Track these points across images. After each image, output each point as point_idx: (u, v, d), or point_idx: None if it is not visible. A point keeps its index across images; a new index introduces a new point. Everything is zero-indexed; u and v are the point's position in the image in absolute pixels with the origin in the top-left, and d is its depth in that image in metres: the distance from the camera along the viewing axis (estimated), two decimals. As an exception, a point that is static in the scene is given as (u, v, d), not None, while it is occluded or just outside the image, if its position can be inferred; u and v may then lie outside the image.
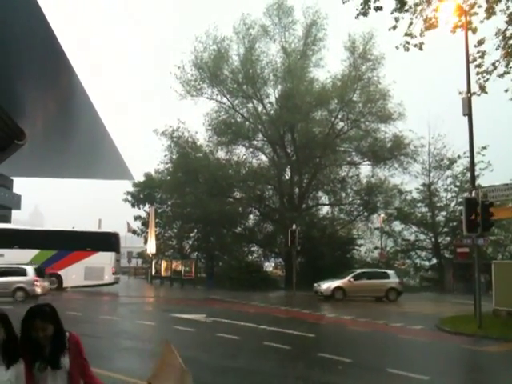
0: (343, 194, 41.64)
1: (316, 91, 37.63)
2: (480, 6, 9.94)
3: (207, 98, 38.99)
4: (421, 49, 10.50)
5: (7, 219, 43.57)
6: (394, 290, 27.38)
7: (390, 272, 28.92)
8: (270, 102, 39.83)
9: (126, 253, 51.99)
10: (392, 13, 9.77)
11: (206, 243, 43.86)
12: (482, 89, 11.17)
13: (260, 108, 39.57)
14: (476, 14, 10.10)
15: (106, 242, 29.87)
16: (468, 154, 20.43)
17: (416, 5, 10.01)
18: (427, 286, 42.36)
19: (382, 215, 41.42)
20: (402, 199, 41.58)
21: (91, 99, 28.30)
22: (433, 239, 42.18)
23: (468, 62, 16.77)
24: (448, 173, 40.76)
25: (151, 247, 40.01)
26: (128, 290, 33.21)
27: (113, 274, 29.56)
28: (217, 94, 39.05)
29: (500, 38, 10.51)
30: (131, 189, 47.76)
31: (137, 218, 48.22)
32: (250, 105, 39.66)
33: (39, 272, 23.18)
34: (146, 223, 45.42)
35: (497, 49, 10.62)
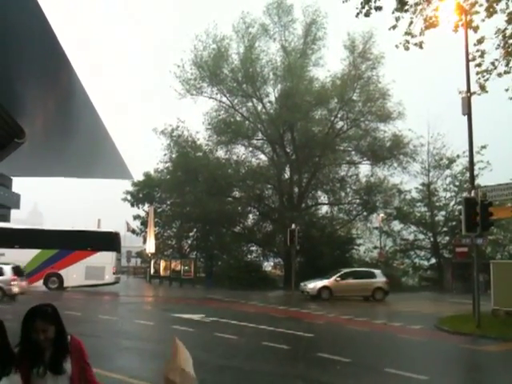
0: (342, 194, 41.66)
1: (316, 90, 37.63)
2: (481, 5, 9.92)
3: (207, 96, 39.06)
4: (421, 48, 10.48)
5: (6, 218, 43.51)
6: (380, 289, 27.31)
7: (377, 271, 28.82)
8: (270, 101, 39.87)
9: (125, 252, 51.92)
10: (393, 12, 9.75)
11: (205, 243, 43.83)
12: (483, 88, 11.15)
13: (260, 107, 39.58)
14: (477, 12, 10.08)
15: (107, 241, 29.84)
16: (467, 154, 20.45)
17: (416, 4, 9.99)
18: (426, 285, 42.38)
19: (381, 215, 41.44)
20: (401, 199, 41.61)
21: (91, 99, 28.36)
22: (432, 239, 42.21)
23: (468, 62, 16.77)
24: (447, 172, 40.84)
25: (150, 247, 39.98)
26: (127, 289, 33.19)
27: (113, 273, 29.54)
28: (216, 93, 39.10)
29: (500, 37, 10.49)
30: (130, 188, 47.74)
31: (136, 217, 48.19)
32: (250, 104, 39.66)
33: (17, 271, 22.84)
34: (145, 223, 45.39)
35: (497, 48, 10.60)
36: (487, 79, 10.83)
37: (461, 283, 34.99)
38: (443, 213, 41.99)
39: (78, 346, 3.22)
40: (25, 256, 28.02)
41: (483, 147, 35.09)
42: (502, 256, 39.84)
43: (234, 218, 41.23)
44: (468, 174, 24.41)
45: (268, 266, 47.46)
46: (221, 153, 40.62)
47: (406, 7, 9.79)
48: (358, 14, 9.86)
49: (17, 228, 31.70)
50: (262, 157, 41.70)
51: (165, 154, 40.17)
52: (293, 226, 31.49)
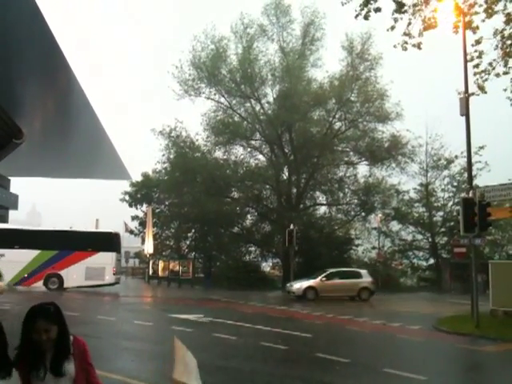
0: (341, 194, 41.64)
1: (314, 91, 37.65)
2: (481, 6, 9.95)
3: (205, 97, 39.05)
4: (419, 48, 10.51)
5: (4, 219, 43.40)
6: (366, 289, 27.33)
7: (363, 271, 28.82)
8: (268, 102, 39.86)
9: (124, 253, 51.82)
10: (393, 14, 9.78)
11: (203, 243, 43.82)
12: (482, 88, 11.19)
13: (258, 108, 39.58)
14: (477, 13, 10.10)
15: (107, 242, 29.80)
16: (465, 154, 20.46)
17: (414, 5, 10.02)
18: (424, 285, 42.46)
19: (380, 215, 41.50)
20: (399, 199, 41.66)
21: (89, 99, 28.30)
22: (430, 239, 42.28)
23: (466, 62, 16.79)
24: (445, 173, 40.93)
25: (149, 247, 39.94)
26: (125, 290, 33.14)
27: (114, 274, 29.51)
28: (214, 94, 39.09)
29: (498, 38, 10.53)
30: (129, 189, 47.69)
31: (134, 217, 48.12)
32: (248, 104, 39.66)
33: None
34: (143, 223, 45.34)
35: (495, 49, 10.64)
36: (486, 80, 10.86)
37: (459, 283, 35.04)
38: (441, 213, 42.08)
39: (82, 346, 3.10)
40: (25, 257, 28.04)
41: (481, 148, 35.18)
42: (500, 256, 39.96)
43: (232, 218, 41.22)
44: (466, 175, 24.44)
45: (266, 266, 47.44)
46: (219, 153, 40.67)
47: (405, 8, 9.81)
48: (357, 15, 9.88)
49: (17, 229, 31.68)
50: (261, 157, 41.76)
51: (163, 155, 40.19)
52: (291, 226, 31.51)
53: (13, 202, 47.70)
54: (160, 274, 38.93)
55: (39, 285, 28.42)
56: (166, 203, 46.41)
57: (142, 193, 47.32)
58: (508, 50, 10.58)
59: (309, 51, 39.27)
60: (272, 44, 39.10)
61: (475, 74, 11.39)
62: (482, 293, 21.72)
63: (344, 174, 41.32)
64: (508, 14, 10.31)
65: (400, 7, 9.76)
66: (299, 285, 27.35)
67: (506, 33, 10.55)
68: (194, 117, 40.41)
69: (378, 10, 9.62)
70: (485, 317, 16.60)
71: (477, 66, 11.08)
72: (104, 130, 34.00)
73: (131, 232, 48.47)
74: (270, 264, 48.00)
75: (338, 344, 13.66)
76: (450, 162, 39.94)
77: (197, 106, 43.43)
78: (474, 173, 27.64)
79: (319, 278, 27.45)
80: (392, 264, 44.23)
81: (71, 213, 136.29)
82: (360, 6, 9.67)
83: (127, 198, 47.58)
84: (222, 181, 37.41)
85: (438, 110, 45.91)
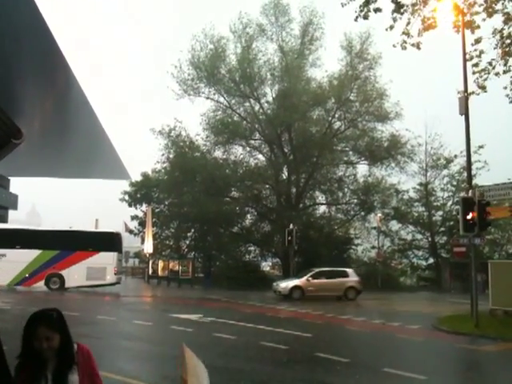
0: (340, 194, 41.69)
1: (313, 90, 37.67)
2: (481, 5, 9.95)
3: (204, 97, 39.10)
4: (418, 48, 10.51)
5: (4, 219, 43.42)
6: (352, 288, 27.24)
7: (349, 270, 28.62)
8: (267, 102, 39.89)
9: (123, 253, 51.88)
10: (392, 13, 9.78)
11: (203, 243, 43.81)
12: (482, 88, 11.19)
13: (257, 107, 39.60)
14: (478, 13, 10.10)
15: (108, 242, 29.81)
16: (465, 154, 20.47)
17: (413, 5, 10.02)
18: (424, 285, 42.51)
19: (379, 215, 41.50)
20: (398, 198, 41.71)
21: (88, 99, 28.28)
22: (430, 238, 42.32)
23: (465, 62, 16.80)
24: (445, 172, 41.01)
25: (148, 247, 39.94)
26: (125, 289, 33.12)
27: (115, 274, 29.52)
28: (214, 94, 39.12)
29: (497, 37, 10.53)
30: (128, 188, 47.69)
31: (134, 217, 48.15)
32: (247, 104, 39.68)
33: None
34: (142, 223, 45.34)
35: (494, 48, 10.64)
36: (486, 79, 10.87)
37: (459, 283, 35.07)
38: (441, 213, 42.13)
39: (87, 354, 2.93)
40: (26, 257, 28.06)
41: (481, 147, 35.20)
42: (500, 256, 39.96)
43: (231, 218, 41.22)
44: (465, 174, 24.43)
45: (266, 266, 47.48)
46: (218, 153, 40.70)
47: (404, 8, 9.81)
48: (356, 18, 9.88)
49: (18, 229, 31.70)
50: (260, 157, 41.79)
51: (162, 154, 40.19)
52: (290, 226, 31.50)
53: (12, 201, 47.75)
54: (160, 273, 38.92)
55: (40, 285, 28.44)
56: (166, 203, 46.41)
57: (141, 192, 47.32)
58: (507, 49, 10.59)
59: (308, 51, 39.30)
60: (271, 44, 39.22)
61: (474, 72, 11.40)
62: (482, 292, 21.75)
63: (343, 173, 41.40)
64: (507, 14, 10.32)
65: (399, 8, 9.76)
66: (285, 284, 27.32)
67: (505, 32, 10.56)
68: (194, 117, 40.44)
69: (377, 10, 9.63)
70: (484, 316, 16.60)
71: (476, 65, 11.09)
72: (103, 130, 33.95)
73: (131, 232, 48.46)
74: (270, 264, 48.05)
75: (337, 344, 13.66)
76: (449, 161, 39.98)
77: (196, 106, 43.54)
78: (473, 172, 27.65)
79: (305, 277, 27.44)
80: (392, 263, 44.28)
81: (71, 213, 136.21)
82: (360, 6, 9.67)
83: (127, 197, 47.59)
84: (221, 180, 37.39)
85: (437, 109, 46.05)
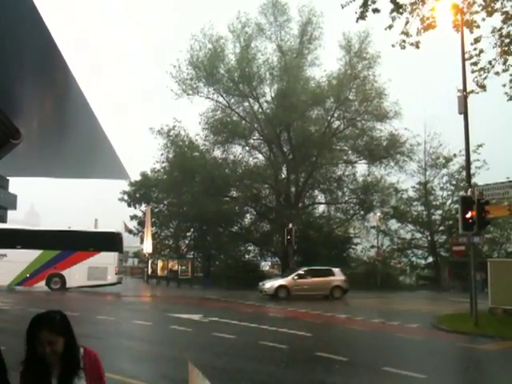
0: (339, 193, 41.71)
1: (312, 90, 37.66)
2: (481, 5, 9.95)
3: (203, 96, 39.05)
4: (417, 47, 10.51)
5: (3, 219, 43.38)
6: (338, 287, 27.15)
7: (335, 269, 28.30)
8: (267, 101, 39.86)
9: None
10: (391, 13, 9.77)
11: (202, 242, 43.81)
12: (482, 87, 11.19)
13: (256, 107, 39.58)
14: (477, 12, 10.10)
15: (109, 242, 29.78)
16: (464, 153, 20.49)
17: (412, 4, 10.02)
18: (423, 284, 42.57)
19: (379, 214, 41.55)
20: (398, 198, 41.75)
21: (87, 99, 28.27)
22: (429, 237, 42.36)
23: (464, 61, 16.81)
24: (444, 171, 41.05)
25: (147, 247, 39.94)
26: (125, 289, 33.11)
27: (116, 274, 29.51)
28: (213, 93, 39.08)
29: (496, 36, 10.54)
30: (127, 188, 47.69)
31: (133, 217, 48.17)
32: (246, 104, 39.66)
33: None
34: (142, 223, 45.36)
35: (494, 47, 10.64)
36: (485, 78, 10.87)
37: (458, 282, 35.13)
38: (440, 212, 42.17)
39: (94, 359, 2.77)
40: (27, 257, 28.04)
41: (480, 146, 35.22)
42: (499, 254, 40.01)
43: (231, 217, 41.23)
44: (465, 173, 24.45)
45: (265, 265, 47.51)
46: (218, 152, 40.68)
47: (403, 8, 9.80)
48: (357, 19, 9.87)
49: (19, 229, 31.69)
50: (259, 156, 41.78)
51: (162, 154, 40.20)
52: (290, 225, 31.48)
53: (11, 201, 47.69)
54: (159, 273, 38.92)
55: (41, 285, 28.42)
56: (165, 203, 46.43)
57: (140, 192, 47.33)
58: (506, 48, 10.59)
59: (307, 50, 39.28)
60: (270, 43, 39.18)
61: (473, 71, 11.40)
62: (481, 291, 21.75)
63: (343, 172, 41.41)
64: (506, 13, 10.32)
65: (398, 8, 9.75)
66: (270, 284, 27.24)
67: (504, 31, 10.56)
68: (193, 116, 40.42)
69: (376, 10, 9.62)
70: (484, 315, 16.62)
71: (475, 63, 11.09)
72: (102, 130, 33.97)
73: (130, 231, 48.47)
74: (269, 263, 48.06)
75: (337, 343, 13.66)
76: (448, 160, 40.00)
77: (195, 106, 43.42)
78: (472, 171, 27.62)
79: (291, 276, 27.42)
80: (391, 262, 44.31)
81: (70, 212, 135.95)
82: (360, 7, 9.66)
83: (126, 197, 47.62)
84: (220, 180, 37.39)
85: (436, 108, 46.03)
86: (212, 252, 43.44)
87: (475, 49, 10.78)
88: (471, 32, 10.52)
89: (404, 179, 40.56)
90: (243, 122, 39.95)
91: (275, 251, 42.08)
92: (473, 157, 29.27)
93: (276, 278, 28.75)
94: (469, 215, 15.33)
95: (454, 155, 38.77)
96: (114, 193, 49.76)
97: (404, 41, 10.45)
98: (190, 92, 38.35)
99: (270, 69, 38.43)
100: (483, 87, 11.24)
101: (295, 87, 36.39)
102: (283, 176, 41.07)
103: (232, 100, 39.58)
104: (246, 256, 43.28)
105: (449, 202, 41.32)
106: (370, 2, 9.60)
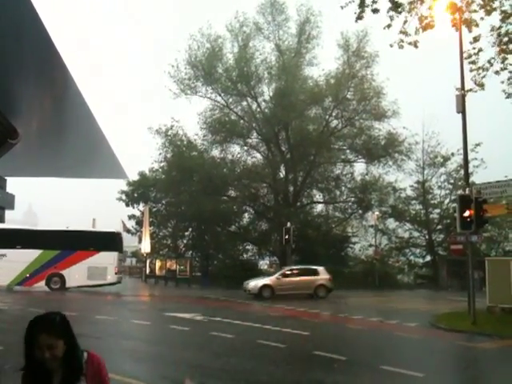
0: (338, 192, 41.72)
1: (310, 89, 37.63)
2: (479, 4, 9.95)
3: (201, 96, 38.99)
4: (415, 47, 10.50)
5: (1, 219, 43.29)
6: (323, 286, 26.92)
7: (320, 268, 27.98)
8: (265, 100, 39.82)
9: (121, 252, 51.84)
10: (388, 11, 9.77)
11: (200, 242, 43.79)
12: (481, 85, 11.21)
13: (254, 106, 39.56)
14: (475, 11, 10.10)
15: (109, 241, 29.74)
16: (462, 152, 20.50)
17: (410, 3, 10.02)
18: (422, 283, 42.60)
19: (377, 213, 41.56)
20: (396, 197, 41.74)
21: (86, 99, 28.26)
22: (427, 236, 42.39)
23: (462, 60, 16.83)
24: (442, 170, 41.03)
25: (146, 246, 39.90)
26: (123, 289, 33.09)
27: (115, 273, 29.49)
28: (211, 93, 39.03)
29: (495, 35, 10.55)
30: (125, 188, 47.59)
31: (131, 217, 48.01)
32: (245, 103, 39.65)
33: None
34: (140, 222, 45.26)
35: (492, 46, 10.66)
36: (484, 76, 10.88)
37: (456, 280, 35.16)
38: (438, 210, 42.19)
39: (97, 365, 2.60)
40: (27, 257, 28.00)
41: (477, 145, 35.20)
42: (497, 253, 40.05)
43: (229, 217, 41.22)
44: (462, 172, 24.46)
45: (264, 264, 47.50)
46: (216, 152, 40.64)
47: (401, 7, 9.80)
48: (357, 19, 9.87)
49: (19, 229, 31.65)
50: (257, 156, 41.73)
51: (160, 154, 40.15)
52: (288, 224, 31.47)
53: (9, 201, 47.58)
54: (157, 273, 38.90)
55: (41, 285, 28.38)
56: (163, 202, 46.36)
57: (138, 192, 47.21)
58: (505, 46, 10.61)
59: (305, 49, 39.25)
60: (268, 42, 39.13)
61: (472, 70, 11.41)
62: (479, 290, 21.78)
63: (341, 171, 41.41)
64: (504, 12, 10.34)
65: (396, 6, 9.75)
66: (255, 283, 27.08)
67: (503, 30, 10.58)
68: (191, 116, 40.38)
69: (375, 10, 9.61)
70: (482, 313, 16.64)
71: (473, 62, 11.10)
72: (100, 129, 33.95)
73: (128, 231, 48.38)
74: (268, 262, 48.05)
75: (335, 341, 13.68)
76: (446, 159, 40.01)
77: (194, 105, 43.43)
78: (470, 170, 27.58)
79: (275, 275, 27.41)
80: (389, 261, 44.34)
81: (68, 212, 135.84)
82: (359, 7, 9.65)
83: (124, 197, 47.47)
84: (218, 179, 37.36)
85: (434, 107, 46.06)
86: (210, 251, 43.40)
87: (474, 48, 10.79)
88: (470, 31, 10.52)
89: (402, 178, 40.61)
90: (241, 121, 39.93)
91: (273, 250, 42.10)
92: (471, 155, 29.25)
93: (262, 277, 28.62)
94: (467, 214, 15.36)
95: (452, 154, 38.79)
96: (111, 192, 49.66)
97: (402, 40, 10.44)
98: (189, 92, 38.34)
99: (268, 68, 38.41)
100: (481, 86, 11.25)
101: (293, 86, 36.38)
102: (281, 175, 41.08)
103: (230, 99, 39.56)
104: (244, 255, 43.26)
105: (447, 200, 41.36)
106: (368, 3, 9.60)
